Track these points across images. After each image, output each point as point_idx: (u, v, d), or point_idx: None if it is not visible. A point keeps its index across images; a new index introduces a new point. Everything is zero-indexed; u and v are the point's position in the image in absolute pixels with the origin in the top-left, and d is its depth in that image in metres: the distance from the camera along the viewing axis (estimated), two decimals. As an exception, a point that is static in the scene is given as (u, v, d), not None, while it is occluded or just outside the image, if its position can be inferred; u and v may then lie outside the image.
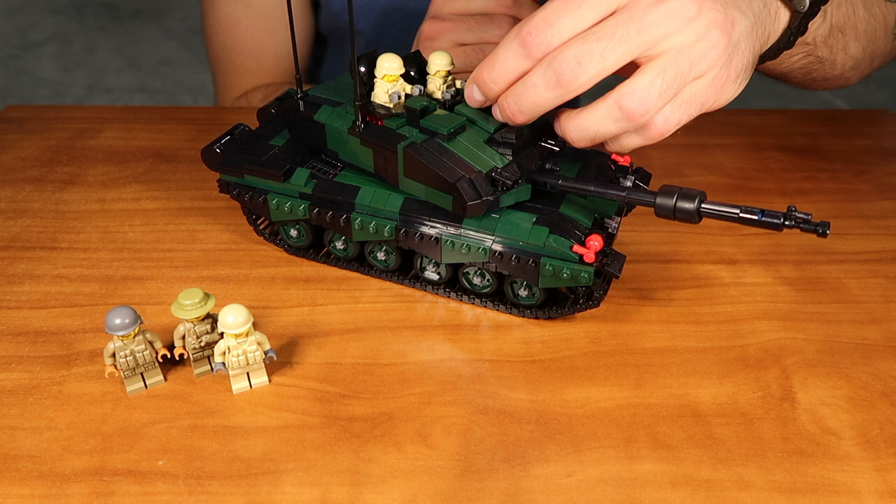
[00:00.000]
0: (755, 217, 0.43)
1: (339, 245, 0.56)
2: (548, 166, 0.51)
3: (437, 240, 0.50)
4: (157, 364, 0.45)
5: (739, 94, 0.47)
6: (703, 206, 0.44)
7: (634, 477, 0.40)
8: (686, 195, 0.44)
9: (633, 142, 0.46)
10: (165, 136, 0.77)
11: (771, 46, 0.50)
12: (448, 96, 0.51)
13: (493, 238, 0.48)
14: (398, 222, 0.51)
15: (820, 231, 0.41)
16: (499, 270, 0.49)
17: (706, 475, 0.40)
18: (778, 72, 0.60)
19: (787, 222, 0.42)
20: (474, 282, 0.52)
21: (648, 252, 0.59)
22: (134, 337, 0.44)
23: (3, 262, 0.57)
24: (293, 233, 0.57)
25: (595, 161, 0.54)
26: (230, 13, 0.89)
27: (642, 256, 0.59)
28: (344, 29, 0.89)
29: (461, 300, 0.53)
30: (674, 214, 0.44)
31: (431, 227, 0.50)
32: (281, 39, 0.89)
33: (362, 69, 0.52)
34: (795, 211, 0.42)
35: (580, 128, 0.46)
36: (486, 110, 0.49)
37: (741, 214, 0.43)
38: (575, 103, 0.48)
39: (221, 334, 0.44)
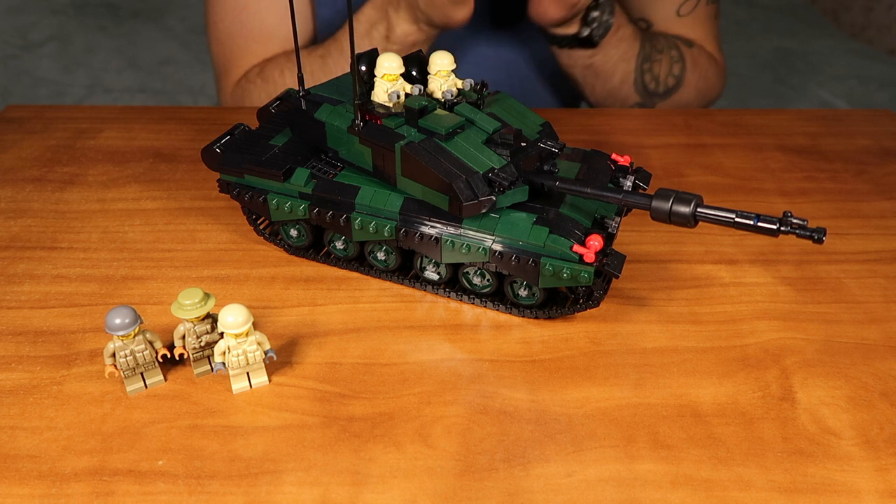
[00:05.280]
0: (750, 222, 0.42)
1: (339, 245, 0.56)
2: (546, 167, 0.51)
3: (437, 240, 0.50)
4: (157, 364, 0.45)
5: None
6: (698, 210, 0.43)
7: (634, 477, 0.40)
8: (682, 199, 0.43)
9: None
10: (165, 136, 0.77)
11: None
12: (448, 96, 0.51)
13: (493, 238, 0.48)
14: (398, 222, 0.51)
15: (815, 237, 0.41)
16: (499, 270, 0.49)
17: (706, 475, 0.40)
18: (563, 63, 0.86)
19: (782, 228, 0.41)
20: (474, 282, 0.52)
21: (648, 252, 0.59)
22: (134, 337, 0.44)
23: (3, 262, 0.57)
24: (293, 233, 0.57)
25: (595, 161, 0.54)
26: None
27: (642, 256, 0.59)
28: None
29: (461, 300, 0.53)
30: (669, 218, 0.44)
31: (431, 226, 0.50)
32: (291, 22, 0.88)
33: (363, 68, 0.52)
34: (791, 216, 0.41)
35: None
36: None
37: (736, 219, 0.42)
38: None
39: (221, 334, 0.44)
